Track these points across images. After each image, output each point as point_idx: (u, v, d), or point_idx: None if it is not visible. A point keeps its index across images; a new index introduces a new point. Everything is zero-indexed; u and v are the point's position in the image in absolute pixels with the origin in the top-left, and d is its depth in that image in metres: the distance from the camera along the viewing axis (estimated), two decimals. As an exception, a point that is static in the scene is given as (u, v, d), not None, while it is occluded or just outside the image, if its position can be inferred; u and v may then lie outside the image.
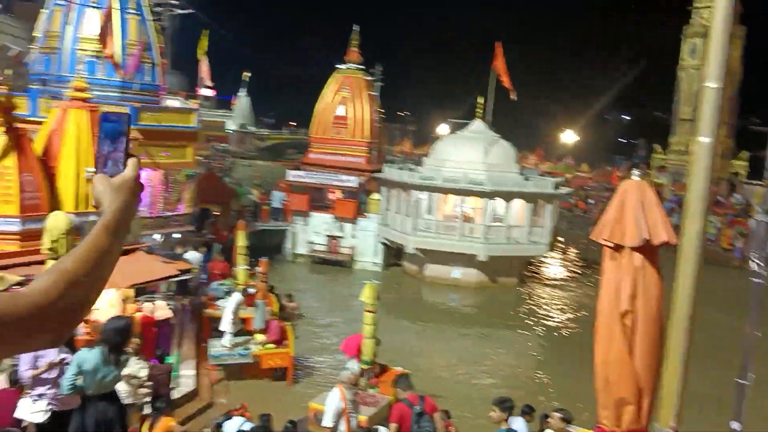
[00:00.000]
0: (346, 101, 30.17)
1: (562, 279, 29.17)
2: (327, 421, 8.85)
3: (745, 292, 4.27)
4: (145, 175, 18.37)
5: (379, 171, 28.65)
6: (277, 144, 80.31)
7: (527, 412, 9.47)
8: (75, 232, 9.84)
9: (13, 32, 44.11)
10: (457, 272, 25.20)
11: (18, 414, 6.48)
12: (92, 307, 1.31)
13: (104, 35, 16.53)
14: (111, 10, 17.27)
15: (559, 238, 32.24)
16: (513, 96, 28.01)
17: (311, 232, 27.90)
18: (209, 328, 16.26)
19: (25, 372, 6.36)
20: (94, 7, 18.14)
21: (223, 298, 17.10)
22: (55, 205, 12.17)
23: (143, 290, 14.42)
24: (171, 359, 12.21)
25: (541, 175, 29.71)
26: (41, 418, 6.28)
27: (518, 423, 9.13)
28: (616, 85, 73.70)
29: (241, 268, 17.69)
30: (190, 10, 24.61)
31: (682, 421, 3.92)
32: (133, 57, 18.21)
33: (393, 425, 7.98)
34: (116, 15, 17.99)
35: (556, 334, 21.09)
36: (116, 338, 5.79)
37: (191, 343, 15.36)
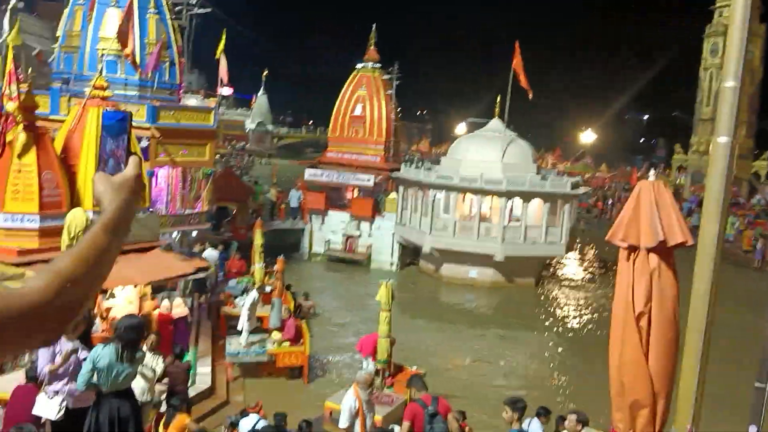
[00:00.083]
0: (363, 100, 30.18)
1: (579, 280, 28.97)
2: (342, 422, 8.87)
3: (766, 294, 4.21)
4: (164, 173, 18.51)
5: (397, 170, 28.63)
6: (295, 143, 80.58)
7: (543, 413, 9.42)
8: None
9: (36, 31, 44.63)
10: (473, 272, 25.11)
11: (35, 410, 6.54)
12: (88, 306, 1.31)
13: (123, 34, 16.65)
14: (131, 9, 17.39)
15: (577, 239, 32.05)
16: (530, 95, 27.86)
17: (328, 230, 27.95)
18: (226, 325, 16.37)
19: (44, 368, 6.42)
20: (114, 6, 18.30)
21: (240, 296, 17.20)
22: (74, 202, 12.26)
23: (161, 287, 14.54)
24: (188, 357, 12.28)
25: (558, 175, 29.50)
26: (57, 414, 6.34)
27: (534, 425, 9.09)
28: (637, 85, 73.16)
29: (257, 267, 17.76)
30: (209, 9, 24.71)
31: (699, 424, 3.87)
32: (152, 56, 18.34)
33: (405, 423, 7.97)
34: (136, 14, 18.12)
35: (573, 335, 20.95)
36: (130, 336, 5.82)
37: (208, 341, 15.47)
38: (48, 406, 6.38)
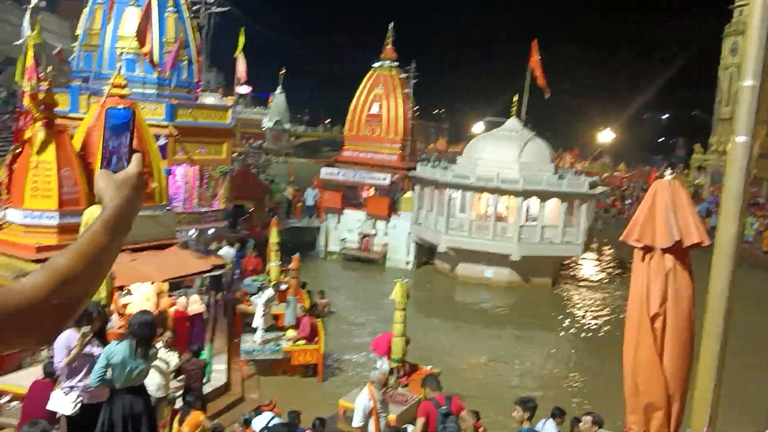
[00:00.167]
0: (380, 99, 30.16)
1: (596, 280, 28.76)
2: (356, 421, 8.88)
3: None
4: (181, 171, 18.63)
5: (413, 169, 28.59)
6: (312, 141, 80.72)
7: (558, 414, 9.38)
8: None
9: (57, 30, 45.11)
10: (489, 272, 25.02)
11: (50, 405, 6.61)
12: (87, 303, 1.29)
13: (142, 33, 16.78)
14: (149, 8, 17.51)
15: (594, 239, 31.82)
16: (547, 94, 27.72)
17: (344, 229, 27.97)
18: (242, 323, 16.44)
19: (59, 363, 6.47)
20: (133, 5, 18.45)
21: (256, 294, 17.27)
22: (92, 199, 12.38)
23: (177, 285, 14.63)
24: (204, 354, 12.35)
25: (576, 175, 29.31)
26: (72, 410, 6.39)
27: (549, 425, 9.05)
28: (656, 84, 72.50)
29: (273, 265, 17.82)
30: (227, 8, 24.83)
31: (716, 426, 3.83)
32: (170, 54, 18.47)
33: (420, 419, 7.98)
34: (155, 13, 18.25)
35: (590, 335, 20.80)
36: (143, 332, 5.86)
37: (223, 338, 15.54)
38: (63, 402, 6.43)
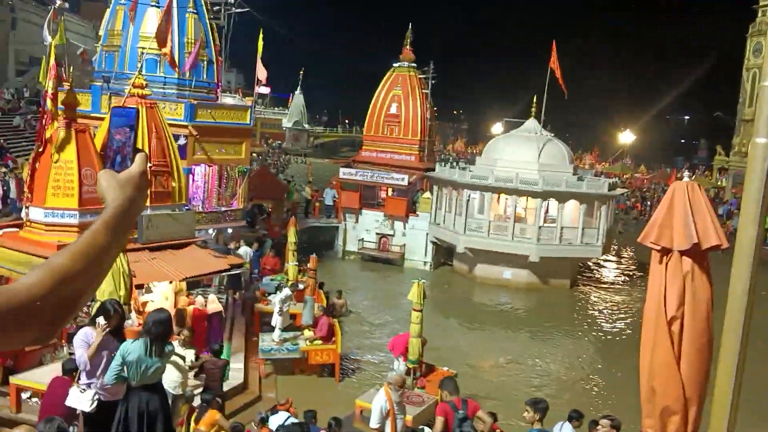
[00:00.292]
0: (398, 99, 30.16)
1: (615, 282, 28.52)
2: (373, 422, 8.88)
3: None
4: (201, 170, 18.74)
5: (431, 169, 28.54)
6: (331, 141, 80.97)
7: (575, 417, 9.29)
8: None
9: (80, 31, 45.60)
10: (507, 273, 24.91)
11: (69, 402, 6.67)
12: (87, 303, 1.29)
13: (162, 34, 16.92)
14: (170, 9, 17.65)
15: (614, 240, 31.55)
16: (565, 95, 27.56)
17: (362, 229, 28.00)
18: (260, 322, 16.50)
19: (81, 357, 6.52)
20: (154, 6, 18.62)
21: (274, 293, 17.33)
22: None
23: (196, 283, 14.74)
24: (224, 355, 12.38)
25: (596, 176, 29.08)
26: (90, 407, 6.44)
27: (566, 428, 8.97)
28: (678, 85, 71.80)
29: (291, 264, 17.88)
30: (247, 9, 24.95)
31: (735, 430, 3.77)
32: (190, 55, 18.61)
33: (439, 419, 7.97)
34: (175, 14, 18.40)
35: (609, 338, 20.62)
36: (158, 330, 5.90)
37: (241, 337, 15.61)
38: (81, 399, 6.49)
